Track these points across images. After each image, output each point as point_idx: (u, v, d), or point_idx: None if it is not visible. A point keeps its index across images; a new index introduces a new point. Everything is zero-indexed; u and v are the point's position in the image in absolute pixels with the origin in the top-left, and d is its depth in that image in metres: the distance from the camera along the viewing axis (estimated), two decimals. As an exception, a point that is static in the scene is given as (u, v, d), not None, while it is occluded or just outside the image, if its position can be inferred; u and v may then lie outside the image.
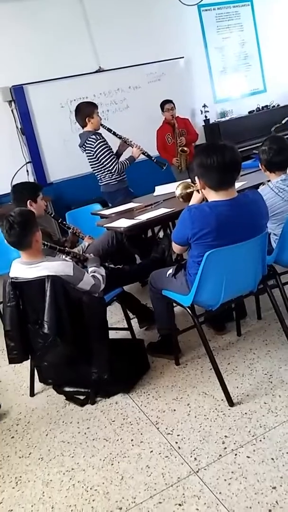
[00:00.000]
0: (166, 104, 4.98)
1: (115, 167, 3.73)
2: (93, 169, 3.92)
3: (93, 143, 3.69)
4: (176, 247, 2.27)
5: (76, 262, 2.52)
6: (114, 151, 3.84)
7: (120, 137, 3.87)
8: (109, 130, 3.82)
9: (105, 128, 3.81)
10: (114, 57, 5.60)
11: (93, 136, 3.70)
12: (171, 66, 6.01)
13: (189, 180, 2.75)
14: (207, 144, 2.20)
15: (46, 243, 2.50)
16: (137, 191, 4.03)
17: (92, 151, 3.72)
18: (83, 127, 3.80)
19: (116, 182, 3.88)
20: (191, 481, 1.77)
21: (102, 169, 3.80)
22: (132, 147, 3.84)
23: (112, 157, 3.73)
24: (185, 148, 4.96)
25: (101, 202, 4.21)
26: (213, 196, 2.05)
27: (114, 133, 3.85)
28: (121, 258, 3.36)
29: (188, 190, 2.41)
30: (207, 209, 2.01)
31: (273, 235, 2.56)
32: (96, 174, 3.94)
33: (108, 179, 3.86)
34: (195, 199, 2.27)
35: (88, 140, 3.72)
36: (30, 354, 2.42)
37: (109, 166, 3.74)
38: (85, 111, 3.75)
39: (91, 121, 3.73)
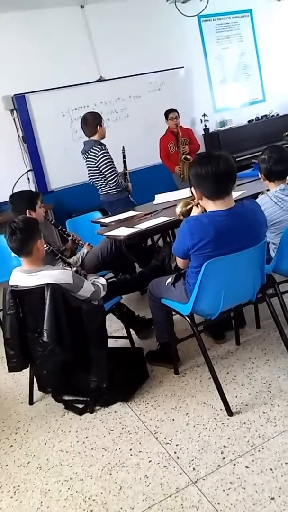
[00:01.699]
0: (170, 113, 5.00)
1: (116, 179, 3.77)
2: (91, 177, 3.91)
3: (97, 152, 3.72)
4: (179, 262, 2.28)
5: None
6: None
7: (125, 167, 3.99)
8: (124, 155, 3.95)
9: (122, 151, 3.93)
10: (115, 67, 5.66)
11: (99, 146, 3.74)
12: (171, 75, 6.07)
13: (188, 189, 2.77)
14: (202, 154, 2.22)
15: (50, 245, 2.50)
16: (137, 199, 4.04)
17: (95, 159, 3.74)
18: (90, 136, 3.84)
19: (116, 192, 3.88)
20: (189, 491, 1.77)
21: (103, 179, 3.82)
22: (126, 182, 3.98)
23: (114, 169, 3.75)
24: (188, 156, 4.95)
25: (102, 210, 4.23)
26: (210, 206, 2.06)
27: (124, 162, 3.96)
28: (120, 266, 3.37)
29: (188, 207, 2.42)
30: (205, 220, 2.02)
31: (272, 244, 2.58)
32: (95, 183, 3.95)
33: (109, 188, 3.86)
34: (194, 213, 2.28)
35: (93, 149, 3.75)
36: (30, 362, 2.42)
37: (110, 177, 3.75)
38: (95, 119, 3.81)
39: (99, 129, 3.80)
